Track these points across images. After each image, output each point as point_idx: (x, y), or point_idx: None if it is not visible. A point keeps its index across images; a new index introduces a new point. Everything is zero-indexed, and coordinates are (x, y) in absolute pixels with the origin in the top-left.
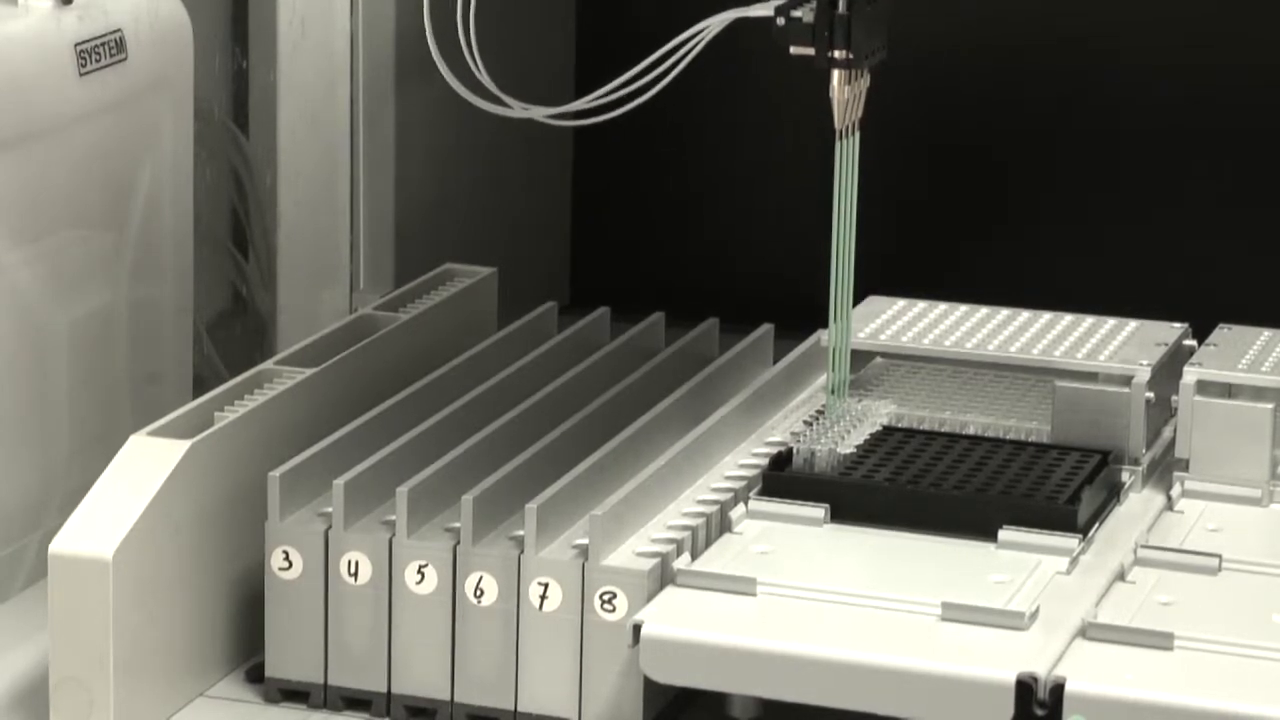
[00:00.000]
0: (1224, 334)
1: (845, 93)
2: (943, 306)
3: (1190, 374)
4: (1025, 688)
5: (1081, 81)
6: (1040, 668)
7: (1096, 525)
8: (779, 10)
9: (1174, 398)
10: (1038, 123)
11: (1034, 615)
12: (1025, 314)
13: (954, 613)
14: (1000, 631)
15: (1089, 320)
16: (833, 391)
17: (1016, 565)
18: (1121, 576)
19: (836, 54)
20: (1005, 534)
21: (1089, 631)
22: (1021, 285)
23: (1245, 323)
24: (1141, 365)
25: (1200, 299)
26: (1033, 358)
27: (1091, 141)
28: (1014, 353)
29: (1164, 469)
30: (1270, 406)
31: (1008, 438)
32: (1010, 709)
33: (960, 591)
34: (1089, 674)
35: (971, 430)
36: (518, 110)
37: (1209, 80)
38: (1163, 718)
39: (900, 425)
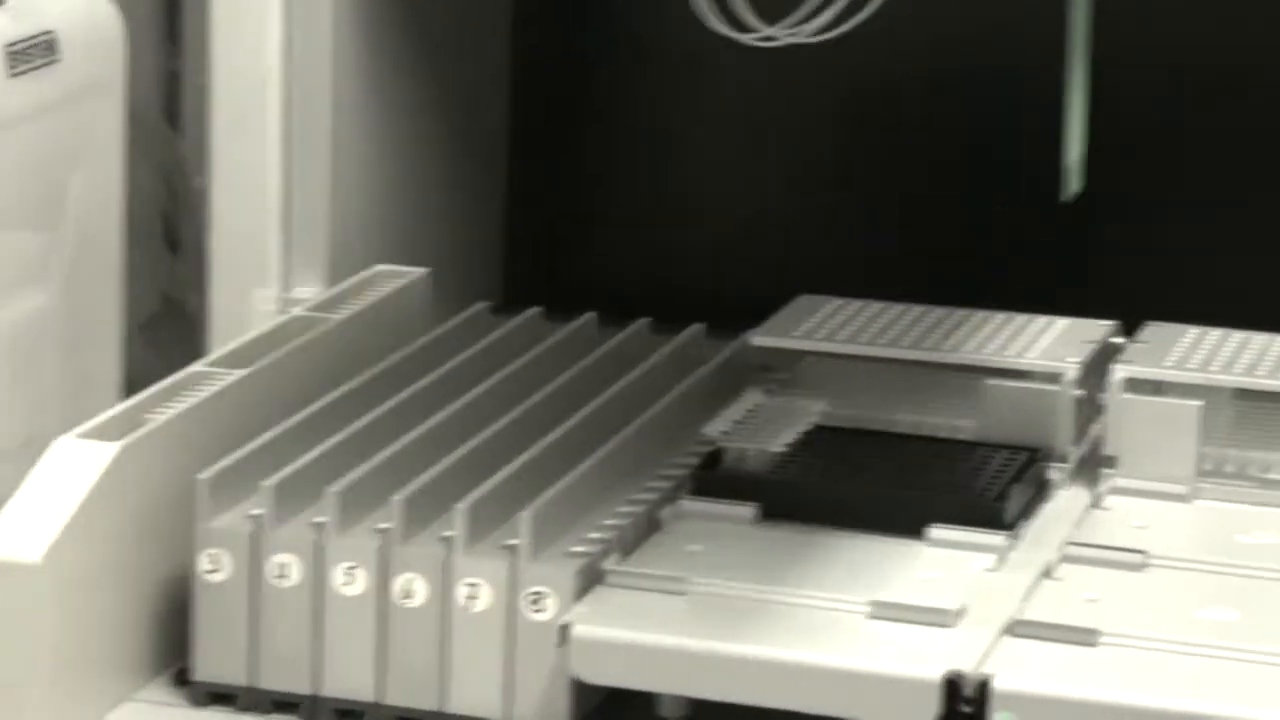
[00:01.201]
0: (1152, 331)
1: None
2: (874, 305)
3: (1118, 371)
4: (952, 685)
5: (1018, 77)
6: (967, 665)
7: (1024, 522)
8: None
9: (1102, 395)
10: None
11: (961, 613)
12: (956, 312)
13: (882, 610)
14: (928, 629)
15: (1018, 318)
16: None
17: (944, 563)
18: (1048, 574)
19: None
20: (933, 532)
21: (1016, 629)
22: (957, 282)
23: (1173, 320)
24: (1070, 362)
25: (1130, 297)
26: (962, 355)
27: (1026, 140)
28: (944, 351)
29: (1092, 466)
30: (1197, 403)
31: (937, 436)
32: (937, 707)
33: (888, 589)
34: (1016, 671)
35: (901, 428)
36: (752, 37)
37: (1119, 76)
38: (1089, 714)
39: (831, 424)
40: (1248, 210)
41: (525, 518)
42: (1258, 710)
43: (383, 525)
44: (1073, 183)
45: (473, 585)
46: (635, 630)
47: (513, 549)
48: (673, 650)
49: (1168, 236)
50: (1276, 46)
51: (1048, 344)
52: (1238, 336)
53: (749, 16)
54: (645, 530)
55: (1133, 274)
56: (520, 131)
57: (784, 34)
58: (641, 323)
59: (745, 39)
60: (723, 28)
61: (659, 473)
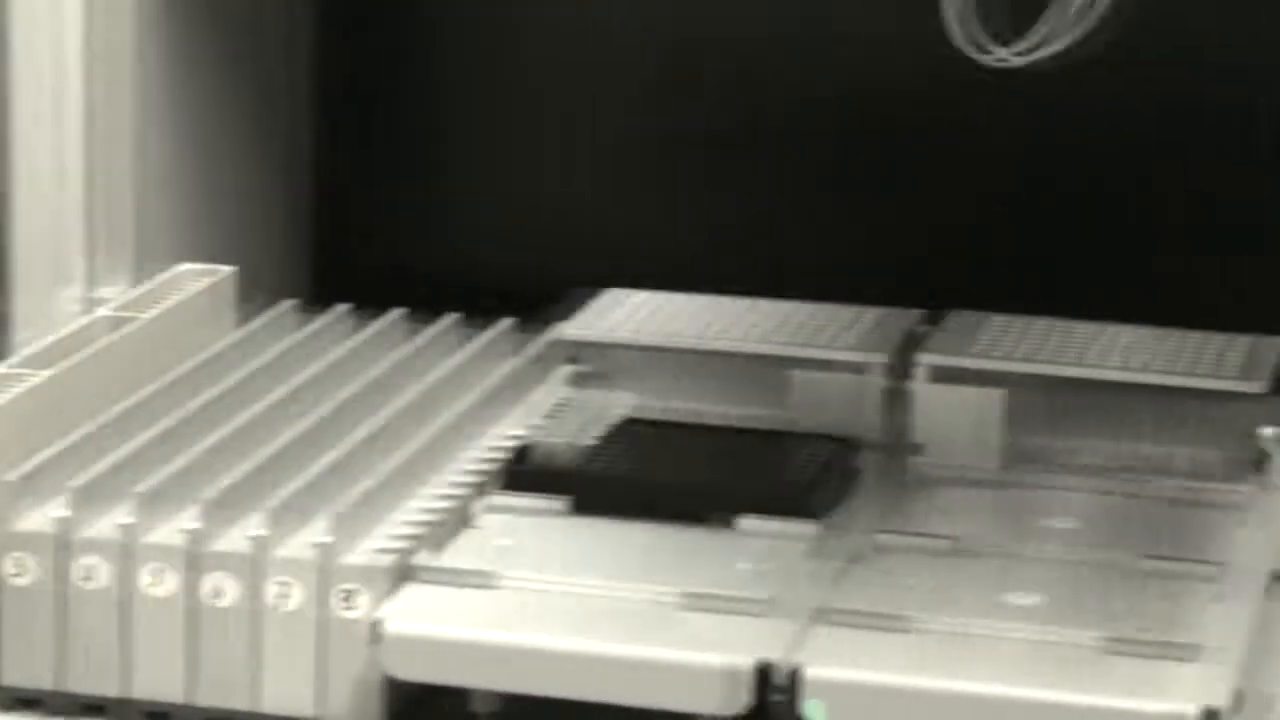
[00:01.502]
0: (957, 320)
1: None
2: (681, 298)
3: (924, 360)
4: (763, 674)
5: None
6: (777, 654)
7: (833, 511)
8: None
9: (909, 384)
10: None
11: (772, 602)
12: (763, 303)
13: (693, 601)
14: (739, 618)
15: (825, 308)
16: None
17: (755, 552)
18: (859, 561)
19: None
20: (744, 522)
21: (826, 616)
22: (766, 274)
23: (978, 309)
24: (877, 352)
25: (938, 286)
26: (770, 346)
27: (822, 134)
28: (753, 342)
29: (901, 454)
30: (1002, 391)
31: (746, 426)
32: (748, 695)
33: (700, 580)
34: (826, 658)
35: (711, 420)
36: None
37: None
38: (899, 699)
39: (640, 416)
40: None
41: (335, 515)
42: (1063, 693)
43: (190, 525)
44: None
45: (283, 584)
46: (447, 626)
47: (323, 547)
48: (484, 645)
49: (974, 225)
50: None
51: (855, 334)
52: (1042, 324)
53: (984, 39)
54: (456, 525)
55: (940, 263)
56: (327, 129)
57: (1016, 56)
58: (450, 318)
59: (986, 60)
60: (968, 48)
61: (469, 468)
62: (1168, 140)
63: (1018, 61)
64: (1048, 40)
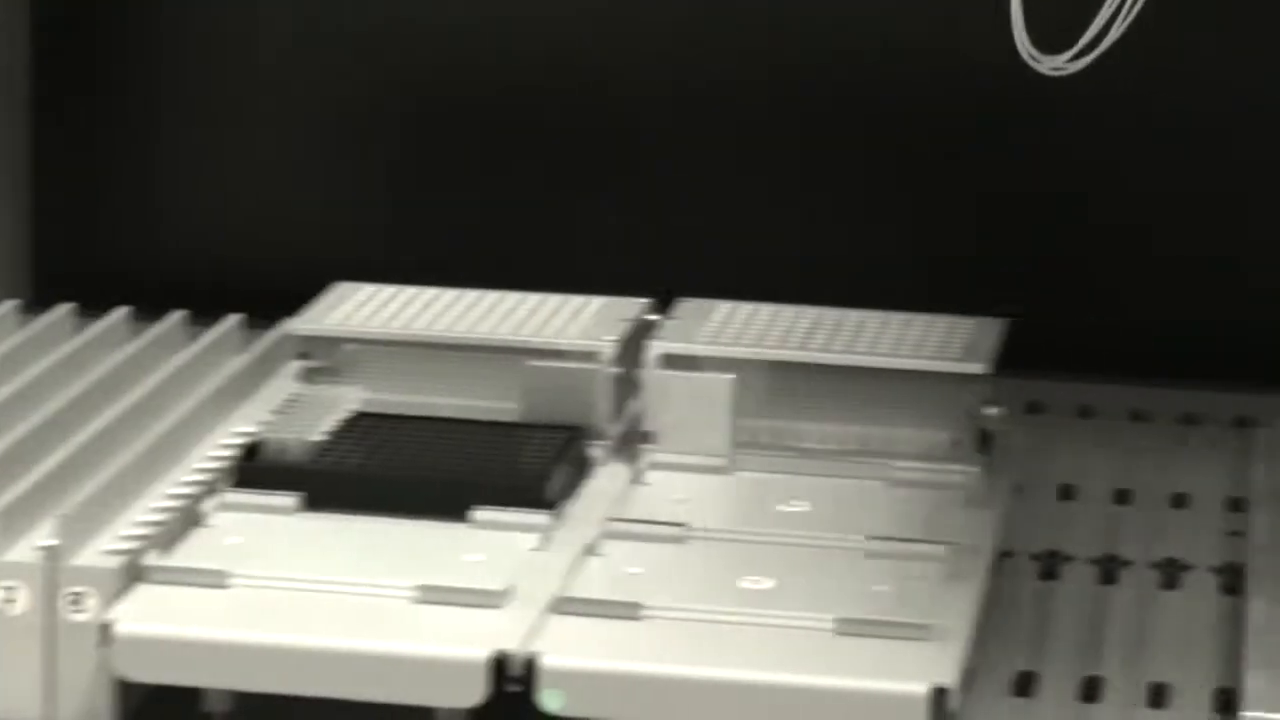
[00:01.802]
0: (685, 307)
1: None
2: (410, 290)
3: (654, 347)
4: (499, 665)
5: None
6: (513, 644)
7: (567, 501)
8: None
9: (639, 371)
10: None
11: (507, 593)
12: (492, 295)
13: (428, 594)
14: (475, 610)
15: (555, 299)
16: None
17: (489, 544)
18: (592, 550)
19: None
20: (477, 514)
21: (561, 606)
22: (495, 268)
23: (705, 296)
24: (606, 340)
25: (662, 274)
26: (500, 337)
27: (542, 130)
28: (482, 333)
29: (632, 442)
30: (731, 377)
31: (479, 418)
32: (485, 687)
33: (434, 573)
34: (562, 648)
35: (443, 412)
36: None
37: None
38: (634, 687)
39: (371, 410)
40: (769, 187)
41: (62, 517)
42: (796, 675)
43: None
44: None
45: (9, 588)
46: (177, 626)
47: (49, 550)
48: (216, 644)
49: (698, 215)
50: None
51: (584, 323)
52: (768, 310)
53: (1031, 49)
54: (187, 524)
55: (664, 251)
56: (45, 130)
57: (1067, 65)
58: (176, 316)
59: (1041, 68)
60: (1029, 57)
61: (199, 466)
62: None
63: (1073, 68)
64: (1096, 44)
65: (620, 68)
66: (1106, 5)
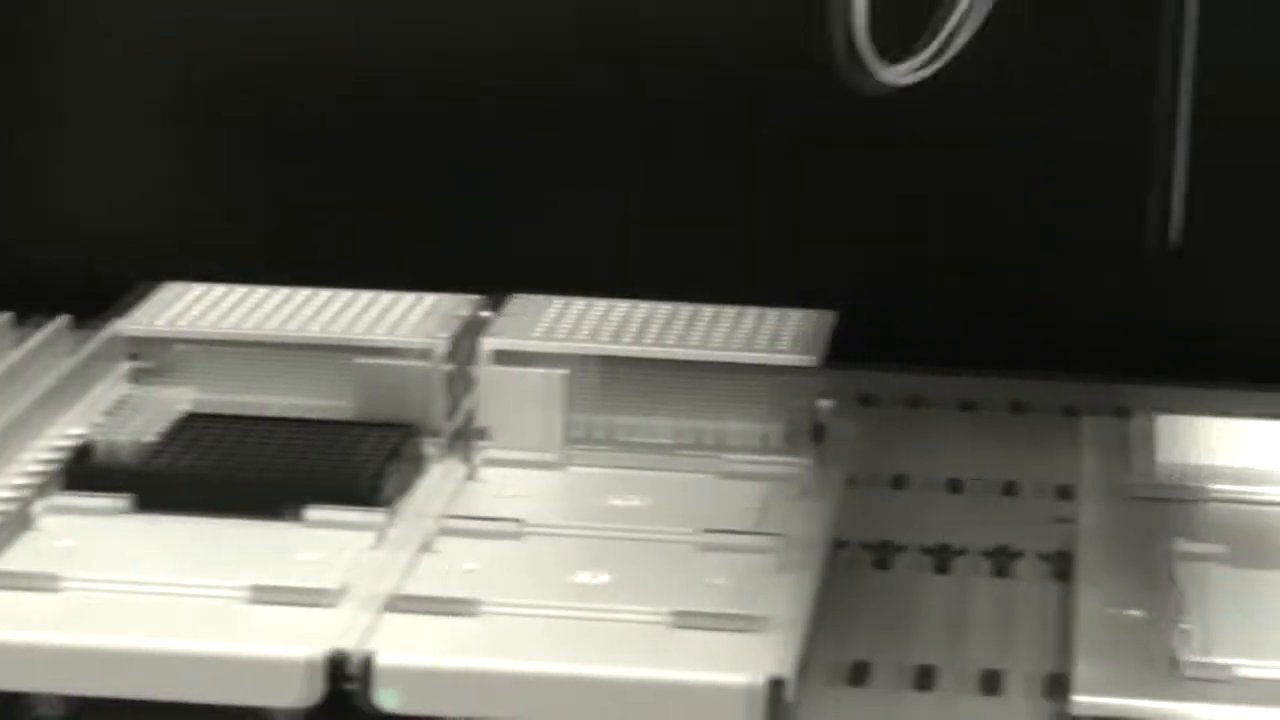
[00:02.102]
0: (518, 303)
1: None
2: (241, 290)
3: (486, 344)
4: (335, 664)
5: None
6: (350, 643)
7: (401, 498)
8: None
9: (472, 368)
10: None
11: (342, 591)
12: (323, 293)
13: (262, 594)
14: (310, 610)
15: (386, 296)
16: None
17: (323, 543)
18: (427, 548)
19: None
20: (311, 513)
21: (397, 604)
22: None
23: (537, 292)
24: (438, 338)
25: (494, 270)
26: (332, 336)
27: (374, 128)
28: (314, 332)
29: (466, 439)
30: (563, 373)
31: (312, 417)
32: (321, 686)
33: (269, 573)
34: (398, 646)
35: (275, 412)
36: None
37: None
38: (470, 683)
39: (203, 411)
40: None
41: None
42: (633, 669)
43: None
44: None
45: None
46: (8, 631)
47: None
48: (46, 649)
49: (530, 212)
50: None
51: (416, 320)
52: (601, 305)
53: (874, 61)
54: (16, 528)
55: (500, 247)
56: None
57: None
58: (3, 318)
59: (869, 84)
60: (871, 71)
61: (28, 469)
62: None
63: (913, 79)
64: (936, 57)
65: (452, 66)
66: (946, 25)
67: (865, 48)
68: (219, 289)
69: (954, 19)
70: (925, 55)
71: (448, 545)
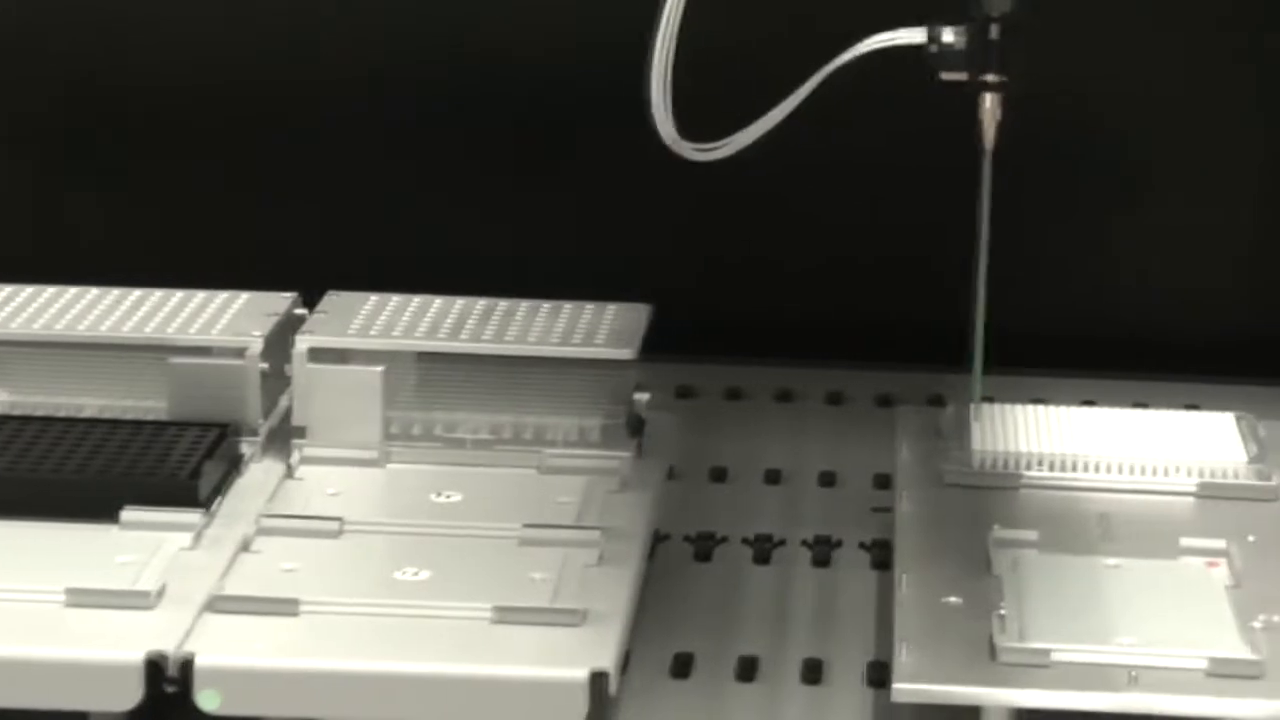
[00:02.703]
0: (333, 300)
1: (998, 114)
2: (51, 289)
3: (302, 342)
4: (154, 666)
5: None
6: (169, 645)
7: (219, 499)
8: (931, 38)
9: (288, 366)
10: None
11: (160, 593)
12: (136, 292)
13: (79, 598)
14: (128, 612)
15: (200, 295)
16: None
17: (140, 545)
18: (246, 547)
19: (990, 78)
20: (127, 514)
21: (216, 604)
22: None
23: (353, 289)
24: (253, 336)
25: (307, 267)
26: (146, 336)
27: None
28: (127, 332)
29: (283, 437)
30: (380, 369)
31: (126, 418)
32: (141, 689)
33: (85, 576)
34: (218, 647)
35: (90, 413)
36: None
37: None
38: (291, 683)
39: (15, 414)
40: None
41: None
42: (455, 665)
43: None
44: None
45: None
46: None
47: None
48: None
49: (343, 207)
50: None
51: (230, 319)
52: (417, 301)
53: (677, 137)
54: None
55: (309, 245)
56: None
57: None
58: None
59: (685, 153)
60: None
61: None
62: None
63: (718, 155)
64: (736, 142)
65: (267, 62)
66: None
67: (666, 127)
68: (28, 289)
69: (774, 115)
70: (727, 141)
71: (267, 545)
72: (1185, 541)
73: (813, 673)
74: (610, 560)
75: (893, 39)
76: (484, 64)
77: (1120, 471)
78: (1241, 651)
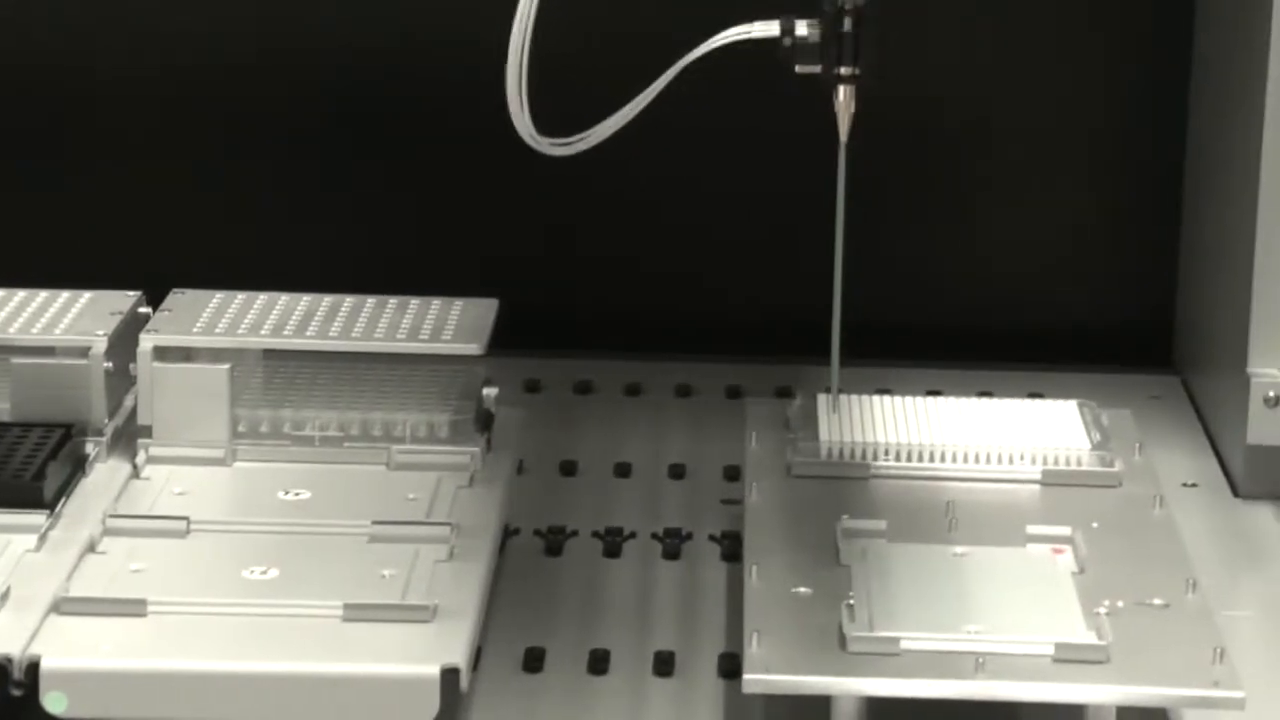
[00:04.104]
0: (178, 299)
1: (852, 106)
2: None
3: (146, 340)
4: (1, 669)
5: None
6: (14, 648)
7: (64, 500)
8: (784, 31)
9: (133, 365)
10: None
11: (5, 595)
12: None
13: None
14: None
15: (43, 294)
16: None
17: None
18: (92, 548)
19: (844, 70)
20: None
21: (62, 606)
22: None
23: (197, 286)
24: (97, 335)
25: (151, 266)
26: None
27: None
28: None
29: (129, 437)
30: (226, 367)
31: None
32: None
33: None
34: (64, 649)
35: None
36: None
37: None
38: (138, 684)
39: None
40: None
41: None
42: (306, 664)
43: None
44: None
45: None
46: None
47: None
48: None
49: (187, 205)
50: None
51: (73, 318)
52: (263, 298)
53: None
54: None
55: (152, 243)
56: None
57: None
58: None
59: (542, 149)
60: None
61: None
62: None
63: (574, 150)
64: (594, 136)
65: (102, 57)
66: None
67: (523, 123)
68: None
69: (628, 109)
70: (581, 135)
71: (113, 545)
72: (1031, 529)
73: (665, 665)
74: (460, 556)
75: (747, 32)
76: (330, 59)
77: (967, 460)
78: (1087, 637)
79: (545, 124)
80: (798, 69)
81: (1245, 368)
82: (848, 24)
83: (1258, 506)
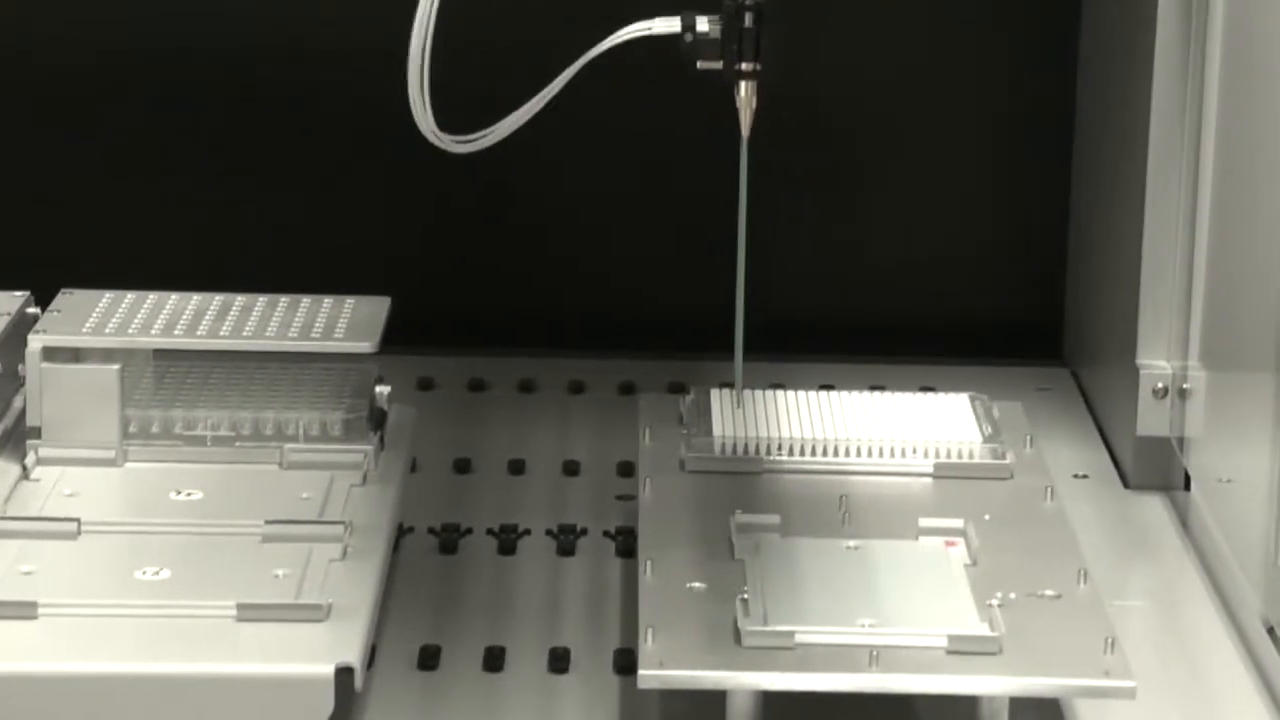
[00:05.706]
0: (67, 299)
1: (754, 102)
2: None
3: (35, 341)
4: None
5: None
6: None
7: None
8: (685, 27)
9: (21, 366)
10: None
11: None
12: None
13: None
14: None
15: None
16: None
17: None
18: None
19: (745, 66)
20: None
21: None
22: None
23: (85, 286)
24: None
25: (39, 266)
26: None
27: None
28: None
29: (17, 438)
30: (117, 367)
31: None
32: None
33: None
34: None
35: None
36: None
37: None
38: (31, 687)
39: None
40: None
41: None
42: (199, 664)
43: None
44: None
45: None
46: None
47: None
48: None
49: (80, 204)
50: None
51: None
52: (153, 298)
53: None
54: None
55: (42, 243)
56: None
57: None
58: None
59: (445, 146)
60: (434, 137)
61: None
62: None
63: (477, 146)
64: (495, 133)
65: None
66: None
67: (425, 120)
68: None
69: (530, 105)
70: (483, 132)
71: (2, 547)
72: (924, 522)
73: (560, 661)
74: (354, 554)
75: (648, 28)
76: (220, 54)
77: (859, 454)
78: (979, 629)
79: (449, 121)
80: (699, 65)
81: (1134, 360)
82: (748, 19)
83: (1147, 497)
